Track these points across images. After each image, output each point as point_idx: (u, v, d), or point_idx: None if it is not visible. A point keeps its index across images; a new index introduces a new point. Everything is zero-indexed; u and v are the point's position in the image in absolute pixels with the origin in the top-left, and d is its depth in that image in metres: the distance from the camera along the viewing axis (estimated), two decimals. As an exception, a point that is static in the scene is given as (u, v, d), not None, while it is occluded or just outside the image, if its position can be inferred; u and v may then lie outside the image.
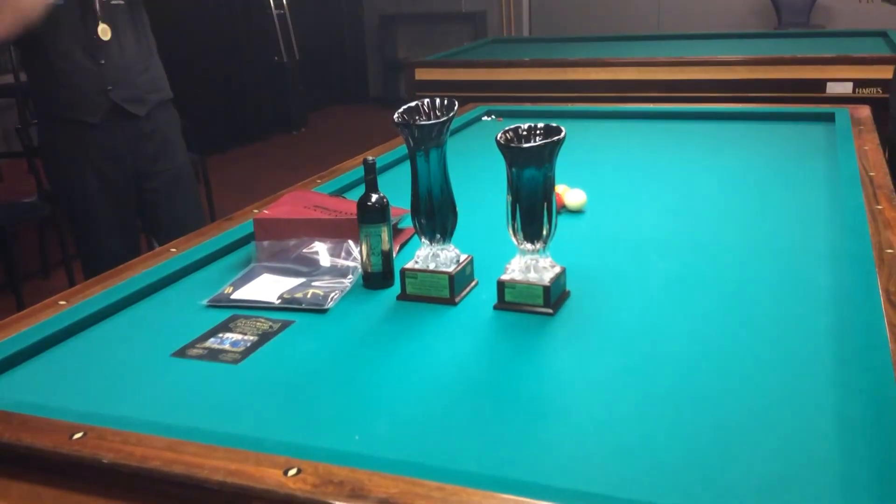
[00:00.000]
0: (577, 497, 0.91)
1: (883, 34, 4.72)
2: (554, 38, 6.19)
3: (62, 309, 1.45)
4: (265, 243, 1.69)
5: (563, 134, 1.36)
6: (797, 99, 3.60)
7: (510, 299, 1.43)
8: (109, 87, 2.45)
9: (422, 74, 4.88)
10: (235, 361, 1.30)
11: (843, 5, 7.24)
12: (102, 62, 2.43)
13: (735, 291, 1.47)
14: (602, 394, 1.15)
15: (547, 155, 1.35)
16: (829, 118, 2.73)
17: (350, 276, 1.59)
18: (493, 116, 3.21)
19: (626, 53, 4.64)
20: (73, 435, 1.03)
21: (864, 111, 2.72)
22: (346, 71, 8.62)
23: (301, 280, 1.59)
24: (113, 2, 2.45)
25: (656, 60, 4.28)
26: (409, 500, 0.89)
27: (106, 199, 2.52)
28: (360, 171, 2.31)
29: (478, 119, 3.15)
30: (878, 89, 3.51)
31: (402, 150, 2.57)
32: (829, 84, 3.88)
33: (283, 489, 0.91)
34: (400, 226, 1.83)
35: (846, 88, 3.85)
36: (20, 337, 1.35)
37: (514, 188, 1.39)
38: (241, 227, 1.90)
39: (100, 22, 2.41)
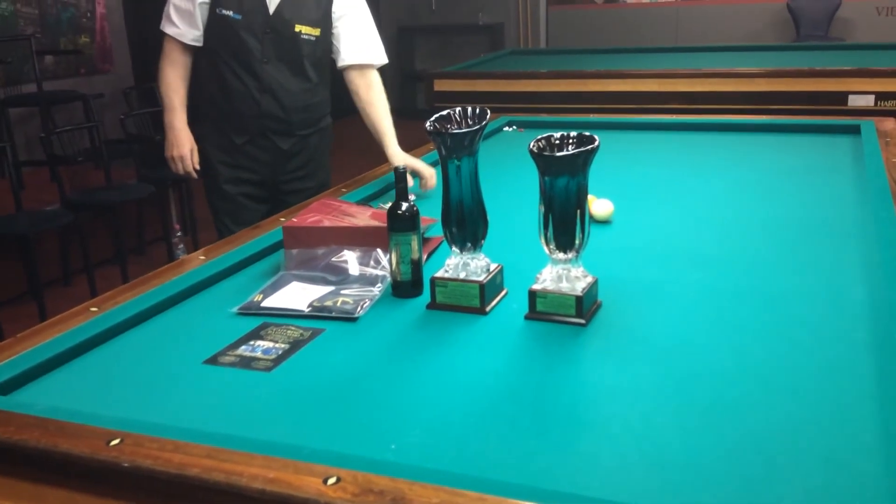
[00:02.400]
0: (620, 509, 0.90)
1: (903, 47, 4.70)
2: (572, 50, 6.18)
3: (94, 316, 1.46)
4: (294, 251, 1.69)
5: (596, 143, 1.36)
6: (818, 111, 3.58)
7: (542, 309, 1.42)
8: (263, 119, 2.44)
9: (441, 85, 4.89)
10: (268, 369, 1.29)
11: (862, 18, 7.21)
12: (264, 92, 2.40)
13: (770, 303, 1.45)
14: (640, 405, 1.14)
15: (581, 164, 1.35)
16: (853, 130, 2.71)
17: (379, 285, 1.59)
18: (515, 127, 3.21)
19: (645, 65, 4.63)
20: (110, 441, 1.02)
21: (890, 123, 2.70)
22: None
23: (330, 288, 1.58)
24: (303, 35, 2.41)
25: (676, 72, 4.27)
26: (451, 510, 0.88)
27: (243, 195, 2.52)
28: (385, 180, 2.32)
29: (499, 130, 3.15)
30: (902, 102, 3.48)
31: (426, 159, 2.57)
32: (850, 97, 3.85)
33: (323, 498, 0.90)
34: (427, 234, 1.82)
35: (868, 101, 3.83)
36: (53, 343, 1.35)
37: (547, 197, 1.38)
38: (269, 234, 1.90)
39: (267, 53, 2.38)
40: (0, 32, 5.20)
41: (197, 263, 1.72)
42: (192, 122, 2.48)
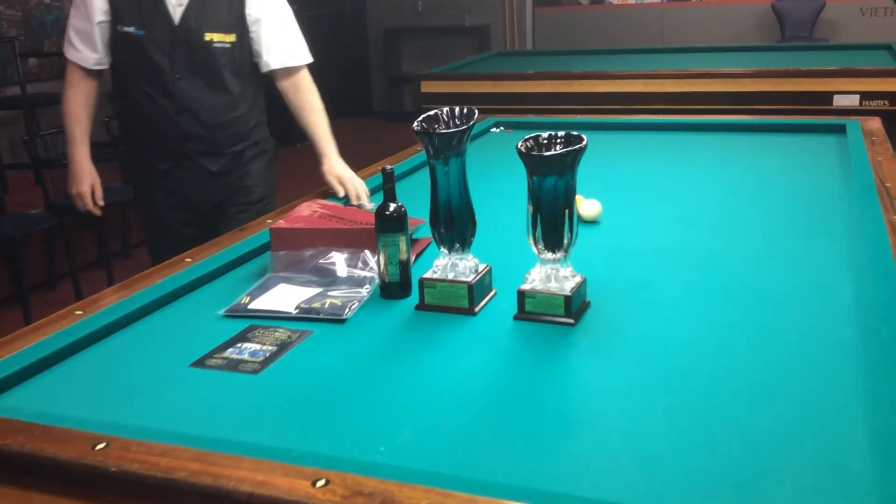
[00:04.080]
0: (611, 509, 0.89)
1: (888, 47, 4.73)
2: (558, 52, 6.20)
3: (79, 319, 1.44)
4: (281, 254, 1.68)
5: (584, 142, 1.36)
6: (804, 111, 3.60)
7: (531, 309, 1.42)
8: (184, 141, 2.24)
9: (428, 87, 4.89)
10: (255, 372, 1.28)
11: (846, 19, 7.26)
12: (181, 112, 2.20)
13: (757, 302, 1.46)
14: (629, 404, 1.14)
15: (569, 163, 1.35)
16: (839, 130, 2.73)
17: (367, 287, 1.58)
18: (502, 128, 3.21)
19: (631, 66, 4.65)
20: (95, 445, 1.01)
21: (875, 123, 2.72)
22: (350, 84, 8.63)
23: (318, 290, 1.57)
24: (216, 44, 2.19)
25: (662, 73, 4.28)
26: (442, 511, 0.87)
27: (177, 216, 2.34)
28: (372, 182, 2.30)
29: (486, 131, 3.15)
30: (886, 102, 3.50)
31: (413, 161, 2.56)
32: (835, 97, 3.88)
33: (312, 500, 0.90)
34: (416, 236, 1.82)
35: (853, 101, 3.86)
36: (37, 347, 1.34)
37: (536, 197, 1.38)
38: (254, 237, 1.89)
39: (178, 69, 2.17)
40: (-18, 36, 5.17)
41: (182, 266, 1.71)
42: (123, 148, 2.36)
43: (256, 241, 1.85)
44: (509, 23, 8.02)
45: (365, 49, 8.76)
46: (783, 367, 1.21)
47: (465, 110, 1.50)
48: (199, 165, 2.27)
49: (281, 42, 2.30)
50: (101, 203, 2.29)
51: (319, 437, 1.09)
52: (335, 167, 2.25)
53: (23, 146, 4.11)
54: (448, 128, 1.47)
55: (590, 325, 1.39)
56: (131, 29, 2.15)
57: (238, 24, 2.22)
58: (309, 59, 2.36)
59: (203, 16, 2.17)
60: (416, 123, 1.47)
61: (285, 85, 2.33)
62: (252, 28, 2.25)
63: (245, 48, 2.25)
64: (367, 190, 2.20)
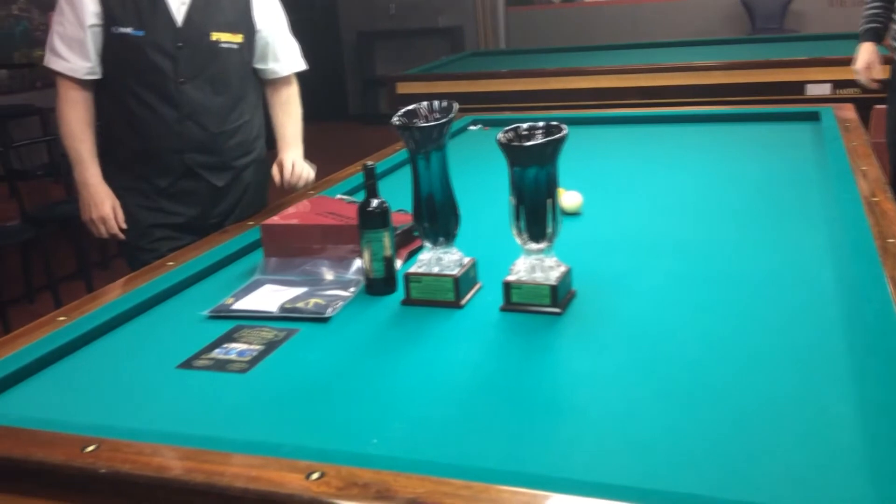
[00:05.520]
0: (605, 490, 0.90)
1: (857, 36, 4.79)
2: (531, 50, 6.22)
3: (62, 325, 1.43)
4: (272, 260, 1.67)
5: (565, 131, 1.36)
6: (777, 101, 3.64)
7: (517, 300, 1.42)
8: (188, 153, 2.07)
9: (403, 88, 4.89)
10: (243, 371, 1.28)
11: (814, 10, 7.35)
12: (184, 120, 2.04)
13: (739, 286, 1.47)
14: (618, 389, 1.15)
15: (550, 153, 1.35)
16: (813, 118, 2.76)
17: (353, 289, 1.58)
18: (480, 126, 3.22)
19: (604, 62, 4.68)
20: (85, 447, 1.00)
21: (849, 110, 2.75)
22: (325, 88, 8.61)
23: (303, 289, 1.57)
24: (223, 44, 2.05)
25: (635, 68, 4.31)
26: (438, 499, 0.87)
27: (165, 237, 2.12)
28: (353, 181, 2.30)
29: (464, 129, 3.16)
30: (858, 90, 3.55)
31: (393, 159, 2.56)
32: (808, 86, 3.93)
33: (307, 493, 0.89)
34: (416, 233, 1.81)
35: (825, 90, 3.90)
36: (21, 353, 1.32)
37: (517, 188, 1.39)
38: (235, 239, 1.88)
39: (183, 72, 2.01)
40: (-49, 47, 5.10)
41: (165, 270, 1.70)
42: (107, 164, 2.07)
43: (237, 244, 1.84)
44: (482, 23, 8.04)
45: (339, 52, 8.74)
46: (768, 349, 1.23)
47: (443, 104, 1.50)
48: (204, 181, 2.10)
49: (287, 47, 2.23)
50: (124, 226, 2.06)
51: (311, 432, 1.08)
52: (286, 156, 2.13)
53: (-4, 158, 4.06)
54: (427, 122, 1.47)
55: (576, 314, 1.40)
56: (128, 30, 1.96)
57: (245, 24, 2.10)
58: (304, 65, 2.30)
59: (208, 14, 2.02)
60: (395, 118, 1.47)
61: (279, 91, 2.25)
62: (259, 30, 2.14)
63: (251, 50, 2.14)
64: (307, 178, 2.12)
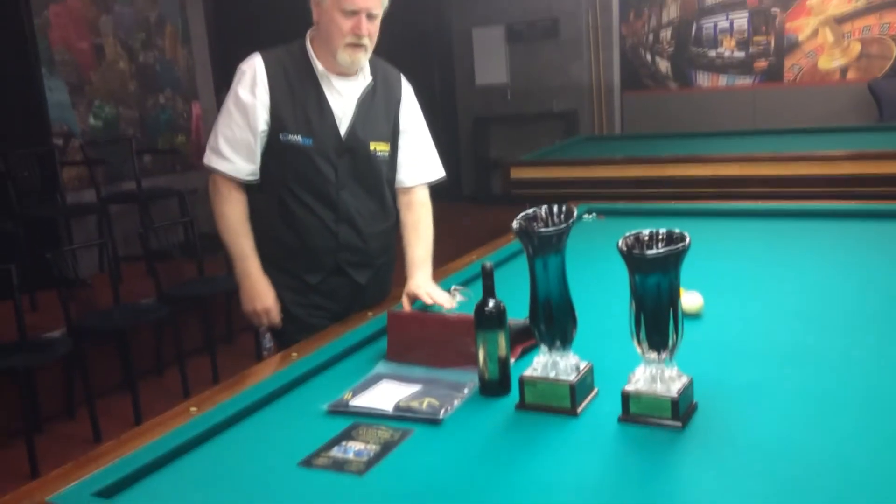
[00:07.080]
0: None
1: None
2: (646, 135, 6.20)
3: (193, 416, 1.50)
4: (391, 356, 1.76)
5: (687, 241, 1.35)
6: (912, 194, 3.47)
7: (635, 411, 1.39)
8: (341, 252, 2.15)
9: (517, 173, 4.95)
10: (360, 472, 1.30)
11: (949, 96, 7.01)
12: (340, 222, 2.13)
13: (879, 408, 1.38)
14: (744, 516, 1.09)
15: (672, 262, 1.34)
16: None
17: (466, 389, 1.58)
18: (594, 215, 3.21)
19: (723, 149, 4.60)
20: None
21: None
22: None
23: (419, 387, 1.59)
24: (378, 153, 2.15)
25: (755, 156, 4.22)
26: None
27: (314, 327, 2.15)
28: (469, 272, 2.33)
29: (578, 218, 3.15)
30: None
31: (505, 251, 2.58)
32: (945, 178, 3.74)
33: None
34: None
35: (963, 182, 3.70)
36: (154, 446, 1.39)
37: (638, 296, 1.37)
38: (356, 331, 1.93)
39: (343, 179, 2.10)
40: (104, 135, 5.55)
41: (290, 361, 1.76)
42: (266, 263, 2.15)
43: (358, 336, 1.89)
44: (597, 107, 8.10)
45: (455, 137, 8.98)
46: (909, 478, 1.15)
47: (563, 208, 1.52)
48: (349, 278, 2.18)
49: (422, 157, 2.28)
50: (281, 315, 2.15)
51: (426, 544, 1.08)
52: (421, 282, 2.08)
53: (136, 238, 4.34)
54: (547, 226, 1.49)
55: (698, 429, 1.35)
56: (297, 138, 2.05)
57: (392, 133, 2.20)
58: (442, 173, 2.33)
59: (367, 125, 2.13)
60: (515, 222, 1.49)
61: (412, 207, 2.26)
62: (400, 139, 2.23)
63: (396, 158, 2.23)
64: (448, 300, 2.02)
